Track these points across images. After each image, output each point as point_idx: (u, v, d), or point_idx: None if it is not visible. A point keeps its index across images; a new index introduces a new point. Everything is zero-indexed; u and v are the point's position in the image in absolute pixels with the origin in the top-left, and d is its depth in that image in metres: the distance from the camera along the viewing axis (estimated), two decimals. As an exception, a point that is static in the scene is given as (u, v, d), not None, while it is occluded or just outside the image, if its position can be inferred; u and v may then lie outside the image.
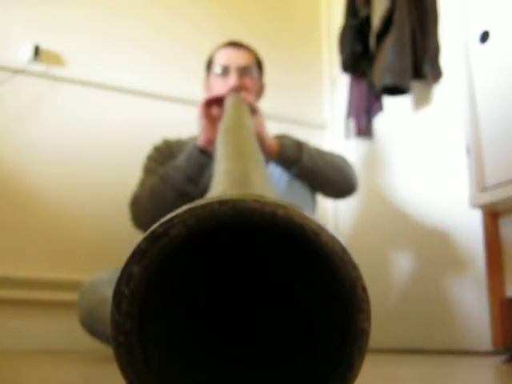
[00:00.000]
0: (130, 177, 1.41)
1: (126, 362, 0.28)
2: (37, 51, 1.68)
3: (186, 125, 1.47)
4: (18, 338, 1.50)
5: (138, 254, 0.27)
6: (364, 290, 0.28)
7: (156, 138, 1.43)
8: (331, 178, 1.30)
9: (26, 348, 1.48)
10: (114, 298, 0.27)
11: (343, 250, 0.28)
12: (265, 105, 1.52)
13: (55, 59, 1.74)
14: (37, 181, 1.63)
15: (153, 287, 0.28)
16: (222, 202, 0.27)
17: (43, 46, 1.71)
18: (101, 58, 1.81)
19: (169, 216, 0.27)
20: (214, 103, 1.20)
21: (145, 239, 0.27)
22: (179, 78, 1.89)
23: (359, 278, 0.28)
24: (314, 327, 0.32)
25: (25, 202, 1.61)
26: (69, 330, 1.46)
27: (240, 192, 0.31)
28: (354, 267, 0.28)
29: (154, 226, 0.27)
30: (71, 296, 1.42)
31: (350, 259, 0.28)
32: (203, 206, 0.27)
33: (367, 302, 0.28)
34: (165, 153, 1.35)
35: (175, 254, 0.28)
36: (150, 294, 0.28)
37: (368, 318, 0.28)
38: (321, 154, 1.30)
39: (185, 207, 0.27)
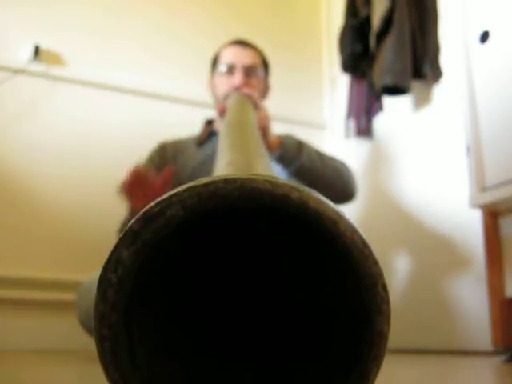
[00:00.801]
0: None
1: (109, 359, 0.24)
2: (37, 51, 1.68)
3: (186, 125, 1.47)
4: (18, 338, 1.50)
5: (129, 237, 0.24)
6: (384, 288, 0.25)
7: (156, 138, 1.42)
8: (329, 181, 1.29)
9: (26, 348, 1.48)
10: (99, 286, 0.24)
11: (363, 242, 0.24)
12: (265, 104, 1.51)
13: (55, 59, 1.74)
14: (37, 181, 1.63)
15: (144, 275, 0.25)
16: (228, 181, 0.23)
17: (43, 46, 1.71)
18: (101, 58, 1.81)
19: (166, 194, 0.24)
20: (136, 185, 1.05)
21: (137, 220, 0.24)
22: (179, 78, 1.89)
23: (380, 274, 0.25)
24: (325, 330, 0.29)
25: (25, 202, 1.61)
26: (69, 330, 1.46)
27: (248, 173, 0.27)
28: (375, 262, 0.24)
29: (148, 205, 0.24)
30: (71, 296, 1.42)
31: (371, 253, 0.25)
32: (206, 185, 0.23)
33: (387, 302, 0.25)
34: (157, 162, 1.33)
35: (172, 239, 0.25)
36: (140, 282, 0.25)
37: (387, 321, 0.25)
38: (321, 156, 1.29)
39: (185, 185, 0.24)
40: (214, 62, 1.35)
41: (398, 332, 1.55)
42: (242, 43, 1.33)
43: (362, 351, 0.25)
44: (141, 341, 0.26)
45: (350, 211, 1.91)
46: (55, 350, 1.49)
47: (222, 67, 1.29)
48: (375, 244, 1.74)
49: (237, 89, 1.21)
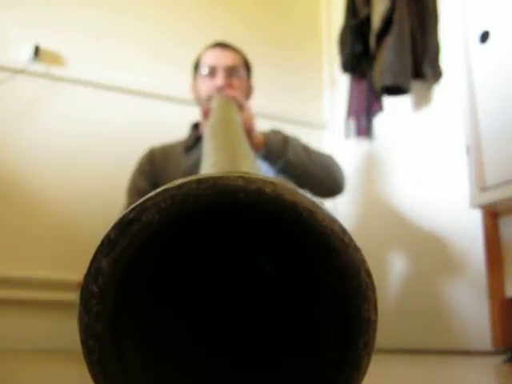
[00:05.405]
0: (129, 177, 1.41)
1: (97, 370, 0.24)
2: (37, 51, 1.68)
3: (186, 125, 1.47)
4: (18, 338, 1.49)
5: (107, 245, 0.23)
6: (368, 274, 0.24)
7: (156, 138, 1.43)
8: (316, 176, 1.30)
9: (26, 348, 1.48)
10: (81, 297, 0.24)
11: (343, 230, 0.24)
12: (265, 104, 1.51)
13: (55, 59, 1.74)
14: (36, 181, 1.63)
15: (127, 283, 0.25)
16: (200, 181, 0.23)
17: (43, 45, 1.71)
18: (101, 58, 1.81)
19: (141, 199, 0.24)
20: None
21: (113, 227, 0.24)
22: (179, 77, 1.89)
23: (362, 261, 0.24)
24: (312, 322, 0.29)
25: (24, 201, 1.61)
26: (68, 330, 1.46)
27: (223, 171, 0.26)
28: (356, 249, 0.24)
29: (124, 212, 0.24)
30: (71, 296, 1.42)
31: (351, 240, 0.24)
32: (179, 187, 0.23)
33: (373, 288, 0.25)
34: (146, 169, 1.35)
35: (151, 243, 0.24)
36: (123, 290, 0.24)
37: (374, 308, 0.24)
38: (308, 151, 1.30)
39: (159, 189, 0.24)
40: (196, 66, 1.36)
41: (398, 332, 1.56)
42: (222, 45, 1.34)
43: (352, 340, 0.25)
44: (131, 349, 0.26)
45: (349, 211, 1.91)
46: (55, 350, 1.49)
47: (204, 70, 1.30)
48: (375, 244, 1.75)
49: (219, 90, 1.22)
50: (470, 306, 1.37)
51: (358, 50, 1.75)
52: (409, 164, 1.68)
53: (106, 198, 1.67)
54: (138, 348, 0.27)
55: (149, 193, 0.24)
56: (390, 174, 1.77)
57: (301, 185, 1.32)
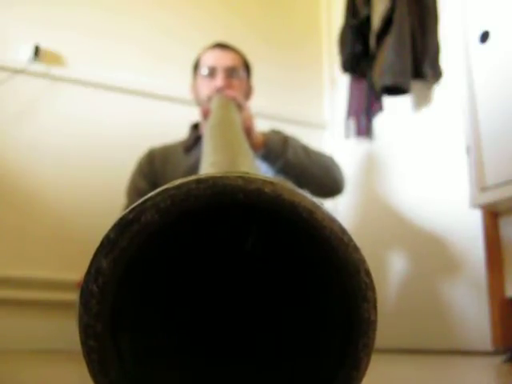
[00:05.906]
0: (129, 177, 1.41)
1: (98, 370, 0.24)
2: (37, 51, 1.68)
3: (186, 125, 1.47)
4: (18, 337, 1.49)
5: (106, 246, 0.23)
6: (368, 274, 0.24)
7: (156, 138, 1.42)
8: (316, 176, 1.30)
9: (26, 348, 1.48)
10: (81, 297, 0.24)
11: (342, 230, 0.24)
12: (265, 104, 1.51)
13: (55, 59, 1.74)
14: (36, 181, 1.63)
15: (127, 282, 0.25)
16: (200, 181, 0.23)
17: (43, 46, 1.71)
18: (101, 58, 1.81)
19: (141, 200, 0.24)
20: None
21: (113, 228, 0.24)
22: (179, 77, 1.89)
23: (362, 261, 0.24)
24: (312, 322, 0.29)
25: (24, 202, 1.61)
26: (68, 330, 1.46)
27: (222, 171, 0.27)
28: (355, 249, 0.24)
29: (124, 212, 0.24)
30: (70, 296, 1.42)
31: (351, 240, 0.24)
32: (179, 187, 0.23)
33: (372, 288, 0.24)
34: (146, 169, 1.35)
35: (151, 243, 0.24)
36: (123, 290, 0.25)
37: (374, 308, 0.24)
38: (307, 151, 1.30)
39: (159, 189, 0.24)
40: (196, 67, 1.36)
41: (397, 332, 1.56)
42: (222, 46, 1.34)
43: (351, 340, 0.24)
44: (131, 348, 0.26)
45: (349, 211, 1.91)
46: (55, 350, 1.49)
47: (204, 70, 1.30)
48: (375, 243, 1.75)
49: (219, 90, 1.22)
50: (469, 306, 1.37)
51: (358, 50, 1.75)
52: (409, 164, 1.68)
53: (106, 198, 1.67)
54: (138, 347, 0.27)
55: (148, 193, 0.24)
56: (390, 174, 1.77)
57: (300, 185, 1.32)
